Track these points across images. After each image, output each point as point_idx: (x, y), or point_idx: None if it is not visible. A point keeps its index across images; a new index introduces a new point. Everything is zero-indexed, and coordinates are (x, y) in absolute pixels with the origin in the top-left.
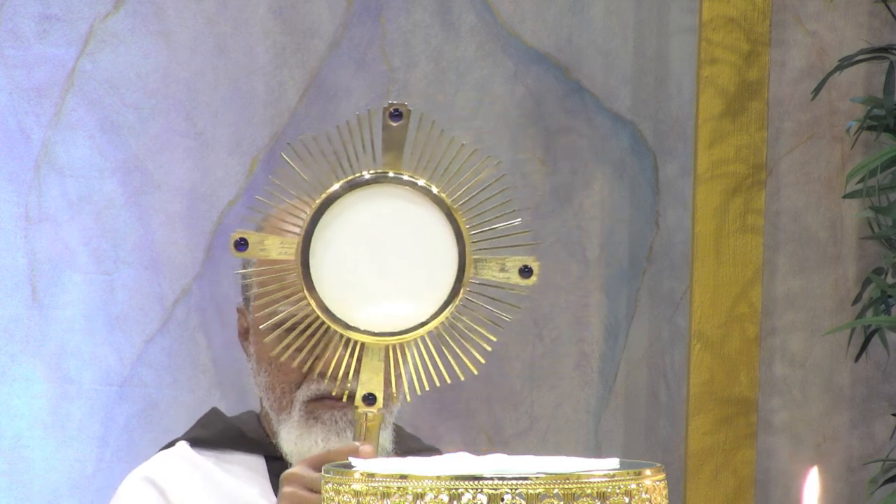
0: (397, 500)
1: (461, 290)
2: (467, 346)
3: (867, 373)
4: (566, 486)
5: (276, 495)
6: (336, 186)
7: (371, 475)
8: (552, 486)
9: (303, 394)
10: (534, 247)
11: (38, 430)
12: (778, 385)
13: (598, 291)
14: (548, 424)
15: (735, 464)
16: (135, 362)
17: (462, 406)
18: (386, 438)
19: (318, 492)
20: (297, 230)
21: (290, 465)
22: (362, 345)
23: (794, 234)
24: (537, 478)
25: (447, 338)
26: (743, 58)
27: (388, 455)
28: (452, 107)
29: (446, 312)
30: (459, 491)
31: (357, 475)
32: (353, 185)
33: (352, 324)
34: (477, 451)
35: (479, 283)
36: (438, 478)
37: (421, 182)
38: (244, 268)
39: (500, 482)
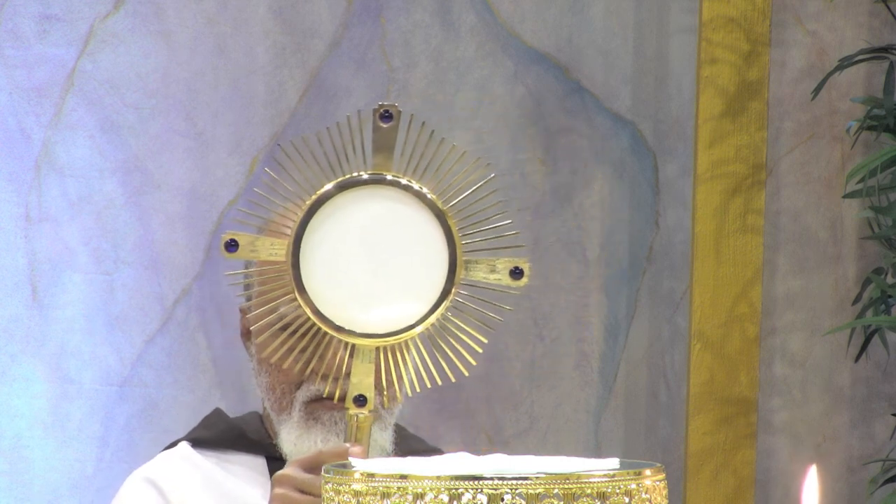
0: (397, 500)
1: (452, 292)
2: (458, 347)
3: (867, 373)
4: (566, 486)
5: None
6: (326, 188)
7: (371, 475)
8: (552, 486)
9: (303, 394)
10: (524, 248)
11: (38, 430)
12: (778, 385)
13: (598, 291)
14: (548, 424)
15: (735, 464)
16: (135, 362)
17: (462, 406)
18: (386, 439)
19: (310, 493)
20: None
21: None
22: (353, 346)
23: (794, 234)
24: (537, 478)
25: (438, 339)
26: (743, 58)
27: (388, 456)
28: (452, 107)
29: (437, 314)
30: (459, 491)
31: (357, 475)
32: (343, 187)
33: (342, 325)
34: (477, 451)
35: (470, 285)
36: (438, 478)
37: (411, 183)
38: (246, 268)
39: (500, 482)
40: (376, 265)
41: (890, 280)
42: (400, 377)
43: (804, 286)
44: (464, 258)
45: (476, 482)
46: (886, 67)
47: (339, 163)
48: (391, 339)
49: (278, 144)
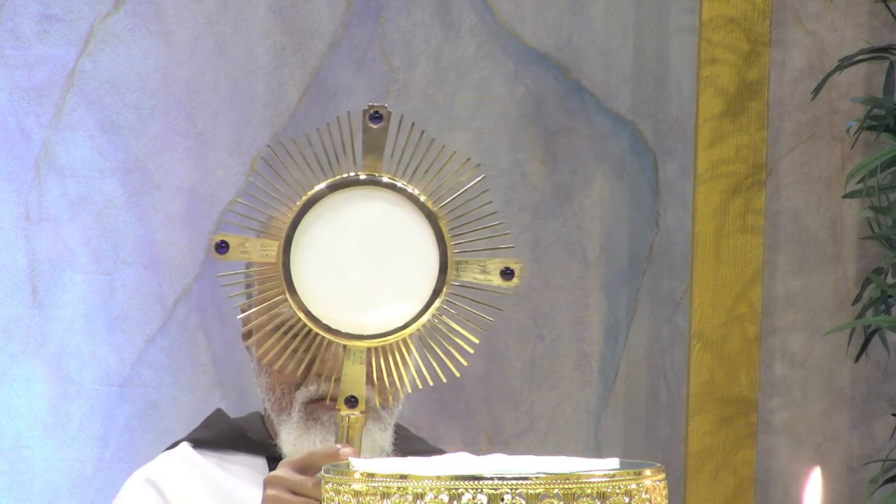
0: (397, 500)
1: (443, 293)
2: (449, 348)
3: (867, 373)
4: (566, 486)
5: None
6: (317, 189)
7: (371, 475)
8: (552, 486)
9: (302, 395)
10: (515, 249)
11: (39, 430)
12: (778, 385)
13: (598, 291)
14: (548, 424)
15: (735, 464)
16: (135, 362)
17: (462, 406)
18: (386, 440)
19: (301, 494)
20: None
21: None
22: (344, 347)
23: (794, 234)
24: (537, 478)
25: (429, 340)
26: (743, 58)
27: (387, 456)
28: (452, 107)
29: (428, 315)
30: (459, 491)
31: (357, 475)
32: (334, 188)
33: (333, 326)
34: (477, 451)
35: (461, 286)
36: (438, 478)
37: (401, 184)
38: (247, 269)
39: (500, 482)
40: (367, 266)
41: (890, 280)
42: (392, 378)
43: (804, 286)
44: (455, 259)
45: (476, 482)
46: (886, 67)
47: (330, 164)
48: (382, 340)
49: (268, 146)
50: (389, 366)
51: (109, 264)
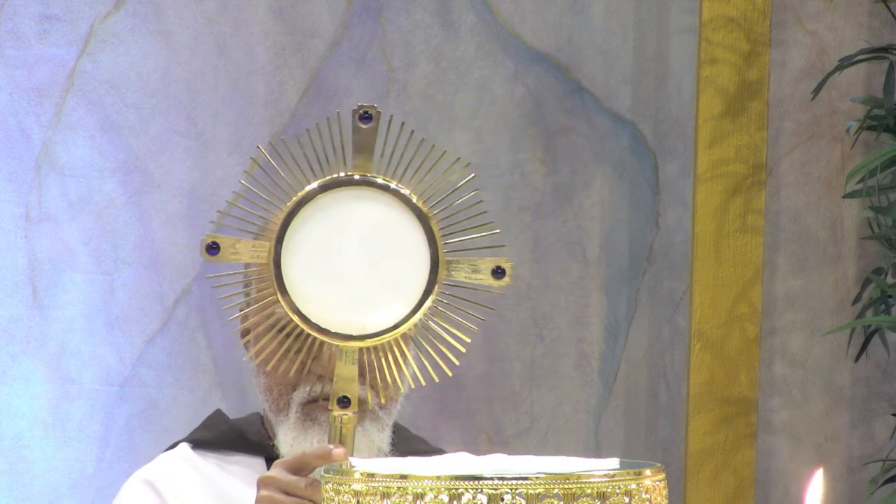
0: (397, 500)
1: (434, 292)
2: (441, 347)
3: (867, 373)
4: (566, 486)
5: None
6: (308, 189)
7: (371, 475)
8: (552, 486)
9: (299, 396)
10: (506, 248)
11: (39, 430)
12: (778, 385)
13: (598, 291)
14: (548, 424)
15: (735, 464)
16: (135, 362)
17: (462, 406)
18: (383, 440)
19: (294, 495)
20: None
21: None
22: (336, 348)
23: (794, 234)
24: (537, 478)
25: (421, 340)
26: (743, 58)
27: (385, 456)
28: (452, 107)
29: (419, 314)
30: (459, 491)
31: (357, 475)
32: (325, 188)
33: (325, 326)
34: (477, 451)
35: (452, 285)
36: (438, 478)
37: (392, 184)
38: (245, 269)
39: (500, 482)
40: (359, 266)
41: (890, 280)
42: (385, 378)
43: (804, 286)
44: (446, 258)
45: (476, 482)
46: (886, 67)
47: (320, 164)
48: (374, 341)
49: (258, 147)
50: (382, 366)
51: (109, 264)
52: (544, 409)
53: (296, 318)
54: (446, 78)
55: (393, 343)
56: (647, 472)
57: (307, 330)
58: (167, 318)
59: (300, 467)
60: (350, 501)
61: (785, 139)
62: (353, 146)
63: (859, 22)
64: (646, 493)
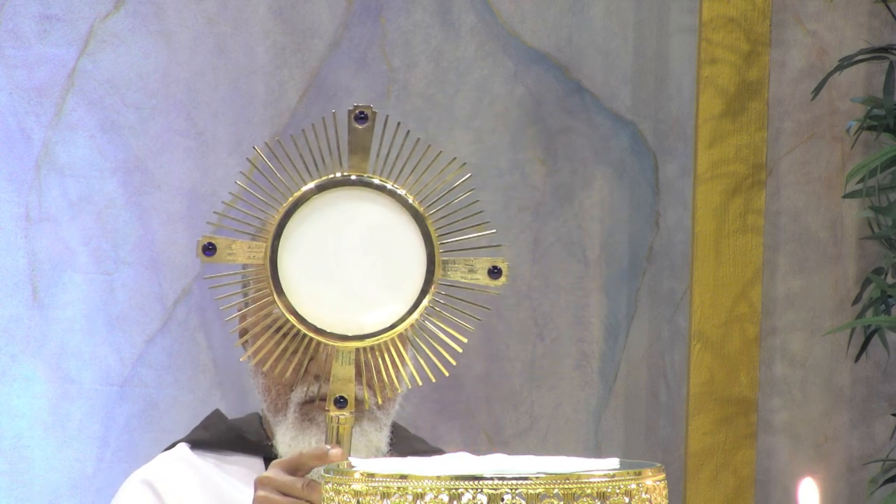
0: (397, 500)
1: (430, 292)
2: (438, 347)
3: (867, 373)
4: (566, 486)
5: None
6: (304, 189)
7: (371, 475)
8: (552, 486)
9: (297, 396)
10: (502, 247)
11: (39, 430)
12: (778, 385)
13: (598, 291)
14: (548, 424)
15: (735, 464)
16: (135, 362)
17: (462, 406)
18: (381, 440)
19: (291, 495)
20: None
21: None
22: (333, 348)
23: (794, 234)
24: (537, 478)
25: (418, 340)
26: (743, 58)
27: (383, 456)
28: (452, 107)
29: (415, 315)
30: (459, 491)
31: (357, 475)
32: (320, 188)
33: (321, 327)
34: (477, 451)
35: (449, 285)
36: (438, 478)
37: (388, 184)
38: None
39: (500, 482)
40: (355, 266)
41: (890, 280)
42: (382, 378)
43: (804, 286)
44: (442, 258)
45: (476, 482)
46: (886, 67)
47: (316, 164)
48: (370, 341)
49: (254, 148)
50: (379, 366)
51: (109, 264)
52: (544, 409)
53: (292, 319)
54: (446, 78)
55: (390, 343)
56: (647, 472)
57: (304, 330)
58: (167, 318)
59: (297, 468)
60: (350, 501)
61: (785, 139)
62: (350, 146)
63: (859, 22)
64: (646, 493)
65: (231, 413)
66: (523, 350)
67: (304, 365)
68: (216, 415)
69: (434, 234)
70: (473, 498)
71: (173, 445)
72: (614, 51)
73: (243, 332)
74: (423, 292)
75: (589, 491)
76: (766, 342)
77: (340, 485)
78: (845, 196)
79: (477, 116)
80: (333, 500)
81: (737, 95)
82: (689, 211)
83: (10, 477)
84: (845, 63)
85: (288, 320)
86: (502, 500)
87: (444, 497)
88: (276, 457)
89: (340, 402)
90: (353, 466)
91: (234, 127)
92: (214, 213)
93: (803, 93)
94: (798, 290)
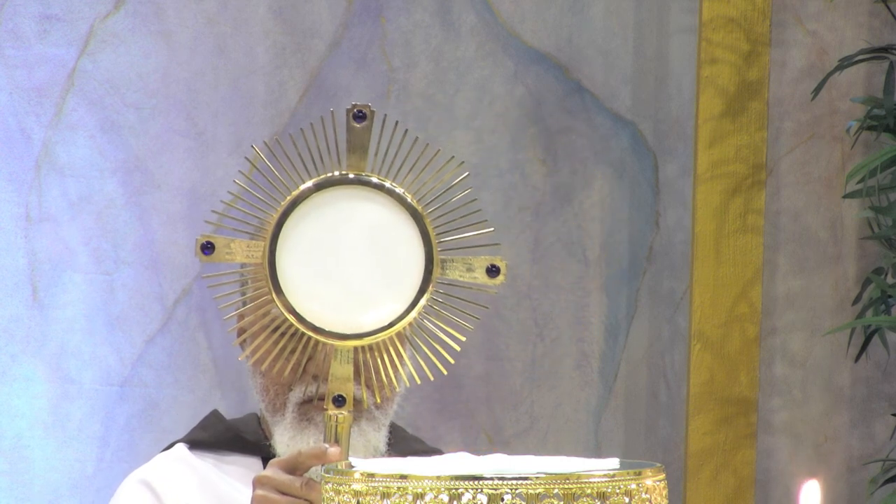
0: (397, 500)
1: (428, 291)
2: (436, 346)
3: (867, 373)
4: (566, 486)
5: None
6: (303, 188)
7: (371, 475)
8: (552, 486)
9: (296, 396)
10: (500, 246)
11: (39, 430)
12: (778, 385)
13: (598, 291)
14: (548, 424)
15: (735, 464)
16: (135, 362)
17: (462, 406)
18: (380, 440)
19: (289, 494)
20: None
21: None
22: (332, 347)
23: (794, 234)
24: (537, 478)
25: (416, 339)
26: (743, 58)
27: (381, 456)
28: (452, 107)
29: (414, 313)
30: (459, 491)
31: (357, 475)
32: (318, 187)
33: (319, 325)
34: (477, 451)
35: (447, 284)
36: (438, 478)
37: (386, 183)
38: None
39: (500, 482)
40: (353, 265)
41: (890, 280)
42: (380, 377)
43: (804, 286)
44: (440, 257)
45: (476, 482)
46: (886, 67)
47: (314, 163)
48: (369, 339)
49: (252, 146)
50: (378, 365)
51: (109, 264)
52: (544, 409)
53: (291, 318)
54: (446, 78)
55: (388, 342)
56: (647, 472)
57: (302, 329)
58: (167, 318)
59: (295, 466)
60: (350, 501)
61: (785, 139)
62: (348, 145)
63: (859, 22)
64: (646, 493)
65: (231, 413)
66: (523, 350)
67: (302, 364)
68: (214, 415)
69: (432, 233)
70: (473, 498)
71: (171, 446)
72: (614, 51)
73: (241, 332)
74: (422, 291)
75: (589, 491)
76: (766, 342)
77: (340, 485)
78: (845, 196)
79: (477, 116)
80: (333, 500)
81: (737, 95)
82: (689, 211)
83: (10, 477)
84: (845, 63)
85: (286, 319)
86: (502, 500)
87: (444, 497)
88: (274, 457)
89: (339, 401)
90: (352, 466)
91: (234, 127)
92: (213, 211)
93: (803, 93)
94: (798, 290)
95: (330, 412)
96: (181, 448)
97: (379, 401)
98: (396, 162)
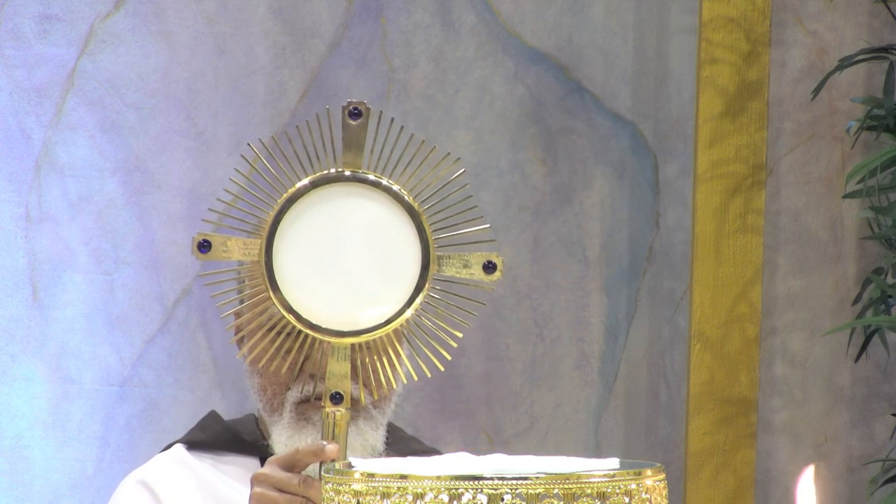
0: (397, 500)
1: (425, 288)
2: (433, 343)
3: (867, 373)
4: (566, 486)
5: None
6: (299, 185)
7: (371, 475)
8: (552, 486)
9: (293, 395)
10: (496, 242)
11: (39, 430)
12: (778, 385)
13: (598, 291)
14: (548, 424)
15: (735, 464)
16: (135, 362)
17: (462, 406)
18: (378, 439)
19: (287, 491)
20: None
21: None
22: (329, 345)
23: (794, 234)
24: (537, 478)
25: (413, 336)
26: (743, 58)
27: (379, 455)
28: (452, 107)
29: (410, 310)
30: (459, 491)
31: (357, 475)
32: (315, 185)
33: (316, 323)
34: (477, 451)
35: (445, 281)
36: (438, 478)
37: (382, 180)
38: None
39: (500, 482)
40: (350, 262)
41: (890, 280)
42: (378, 374)
43: (804, 286)
44: (436, 254)
45: (476, 482)
46: (886, 67)
47: (310, 161)
48: (366, 336)
49: (248, 144)
50: (375, 362)
51: (109, 264)
52: (544, 409)
53: (288, 315)
54: (446, 78)
55: (385, 339)
56: (647, 472)
57: (299, 326)
58: (167, 318)
59: (293, 464)
60: (350, 501)
61: (785, 139)
62: (344, 142)
63: (859, 22)
64: (646, 493)
65: (231, 413)
66: (523, 350)
67: (299, 363)
68: (212, 416)
69: (429, 230)
70: (473, 498)
71: (169, 446)
72: (614, 51)
73: (238, 331)
74: (419, 288)
75: (589, 491)
76: (766, 342)
77: (340, 485)
78: (845, 196)
79: (477, 116)
80: (333, 500)
81: (737, 95)
82: (689, 211)
83: (10, 477)
84: (845, 63)
85: (283, 317)
86: (502, 500)
87: (444, 497)
88: (272, 456)
89: (336, 398)
90: (352, 466)
91: (234, 127)
92: (210, 210)
93: (803, 93)
94: (798, 290)
95: (327, 409)
96: (179, 448)
97: (377, 398)
98: (392, 159)
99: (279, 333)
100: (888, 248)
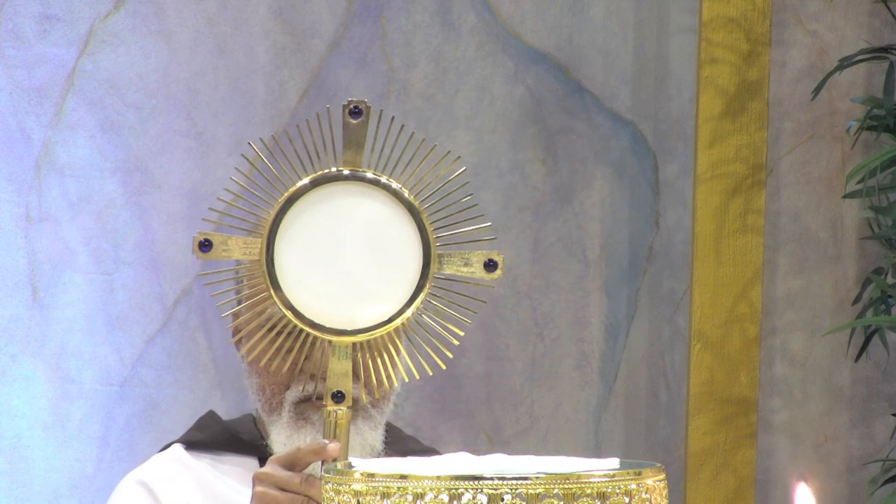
0: (397, 500)
1: (426, 287)
2: (434, 341)
3: (867, 373)
4: (566, 486)
5: None
6: (299, 185)
7: (371, 475)
8: (552, 486)
9: (292, 395)
10: (497, 240)
11: (39, 430)
12: (778, 385)
13: (598, 291)
14: (548, 424)
15: (735, 464)
16: (135, 362)
17: (462, 406)
18: (377, 438)
19: (288, 490)
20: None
21: None
22: (329, 345)
23: (794, 234)
24: (537, 478)
25: (414, 334)
26: (743, 58)
27: (378, 455)
28: (452, 107)
29: (411, 309)
30: (459, 491)
31: (357, 475)
32: (315, 183)
33: (317, 321)
34: (477, 451)
35: (445, 279)
36: (438, 478)
37: (382, 179)
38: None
39: (500, 482)
40: (351, 261)
41: (890, 280)
42: (378, 373)
43: (804, 286)
44: (437, 252)
45: (476, 482)
46: (886, 67)
47: (311, 159)
48: (367, 335)
49: (249, 143)
50: (375, 361)
51: (109, 264)
52: (544, 409)
53: (288, 314)
54: (446, 78)
55: (386, 337)
56: (647, 472)
57: (300, 325)
58: (167, 318)
59: (294, 463)
60: (350, 501)
61: (785, 139)
62: (344, 141)
63: (859, 22)
64: (646, 493)
65: (231, 413)
66: (523, 350)
67: (299, 363)
68: (210, 415)
69: (429, 228)
70: (473, 498)
71: (168, 446)
72: (614, 51)
73: (237, 331)
74: (419, 286)
75: (589, 491)
76: (766, 342)
77: (340, 485)
78: (845, 196)
79: (477, 116)
80: (333, 500)
81: (737, 95)
82: (689, 211)
83: (10, 477)
84: (845, 63)
85: (283, 317)
86: (502, 500)
87: (444, 497)
88: (270, 456)
89: (338, 397)
90: (352, 466)
91: (234, 127)
92: (210, 209)
93: (803, 93)
94: (798, 290)
95: (329, 408)
96: (178, 448)
97: (377, 396)
98: (393, 157)
99: (279, 333)
100: (888, 248)
